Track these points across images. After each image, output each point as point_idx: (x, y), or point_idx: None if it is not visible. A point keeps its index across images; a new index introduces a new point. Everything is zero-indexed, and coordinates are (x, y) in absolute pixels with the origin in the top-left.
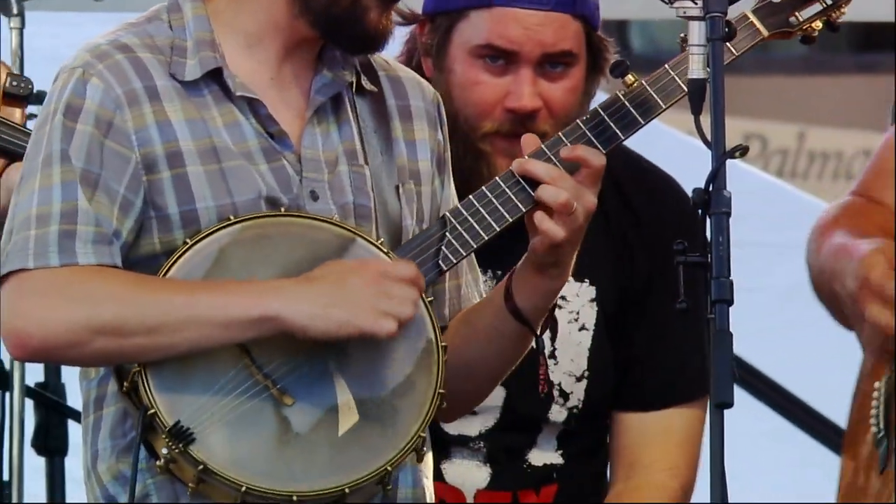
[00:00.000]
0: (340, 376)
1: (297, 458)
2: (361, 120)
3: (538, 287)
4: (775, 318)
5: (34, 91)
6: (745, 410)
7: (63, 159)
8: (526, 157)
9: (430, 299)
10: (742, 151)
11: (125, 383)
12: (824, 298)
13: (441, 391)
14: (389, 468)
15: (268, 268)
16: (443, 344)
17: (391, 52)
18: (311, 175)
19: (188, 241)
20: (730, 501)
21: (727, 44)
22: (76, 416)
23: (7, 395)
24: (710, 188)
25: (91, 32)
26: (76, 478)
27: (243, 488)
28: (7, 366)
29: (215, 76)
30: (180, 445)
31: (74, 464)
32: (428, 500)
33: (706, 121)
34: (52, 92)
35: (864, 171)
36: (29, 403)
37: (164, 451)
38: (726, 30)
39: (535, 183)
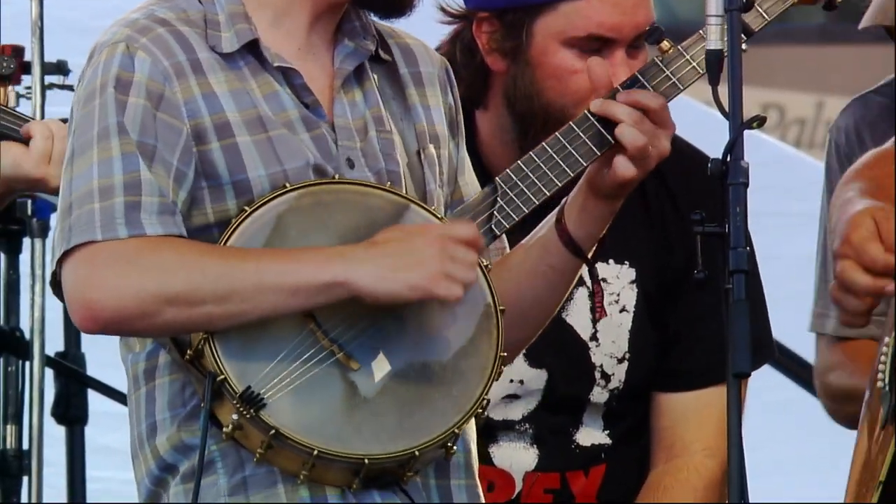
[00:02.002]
0: (403, 340)
1: (366, 421)
2: (381, 88)
3: (594, 212)
4: (793, 287)
5: (55, 62)
6: (762, 378)
7: (121, 132)
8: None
9: (486, 264)
10: (760, 122)
11: (189, 352)
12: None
13: (503, 353)
14: (457, 430)
15: (325, 234)
16: (501, 307)
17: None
18: (345, 143)
19: (246, 208)
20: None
21: (758, 7)
22: (96, 385)
23: (27, 364)
24: (728, 159)
25: (111, 4)
26: (95, 447)
27: (315, 452)
28: (27, 335)
29: (250, 48)
30: (251, 411)
31: (94, 433)
32: (474, 465)
33: (724, 91)
34: (93, 68)
35: None
36: (49, 373)
37: (234, 417)
38: (744, 0)
39: (604, 129)
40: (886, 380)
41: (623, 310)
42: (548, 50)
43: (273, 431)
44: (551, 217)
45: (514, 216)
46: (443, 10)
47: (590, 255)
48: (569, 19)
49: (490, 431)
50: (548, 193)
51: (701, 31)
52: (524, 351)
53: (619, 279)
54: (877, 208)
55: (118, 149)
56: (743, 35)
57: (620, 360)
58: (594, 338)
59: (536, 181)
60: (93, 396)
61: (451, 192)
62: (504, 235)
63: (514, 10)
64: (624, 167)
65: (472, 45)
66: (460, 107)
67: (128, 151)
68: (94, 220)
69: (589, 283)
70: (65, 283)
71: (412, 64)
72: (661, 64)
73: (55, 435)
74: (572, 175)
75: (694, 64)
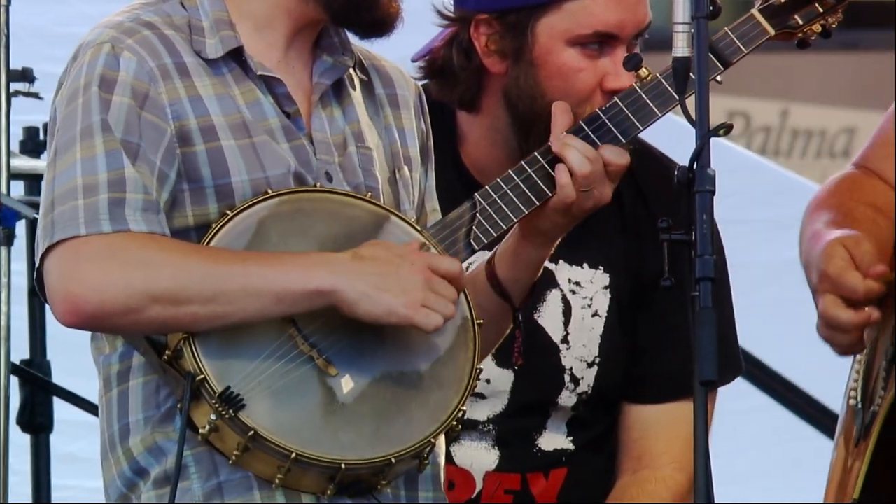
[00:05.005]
0: (383, 349)
1: (343, 427)
2: (361, 104)
3: (523, 257)
4: (758, 294)
5: (20, 69)
6: (728, 387)
7: (104, 129)
8: (564, 133)
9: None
10: (726, 129)
11: (167, 352)
12: (808, 282)
13: (479, 367)
14: (433, 440)
15: (305, 241)
16: (478, 321)
17: (403, 44)
18: (323, 157)
19: (228, 212)
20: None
21: (738, 42)
22: (61, 393)
23: None
24: (695, 166)
25: (79, 9)
26: (60, 454)
27: (293, 455)
28: None
29: (234, 55)
30: (230, 411)
31: (59, 441)
32: (441, 478)
33: (690, 99)
34: (77, 67)
35: (868, 142)
36: (14, 381)
37: (212, 417)
38: (711, 8)
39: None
40: (859, 397)
41: (595, 314)
42: (553, 49)
43: (252, 433)
44: (483, 263)
45: (492, 232)
46: (439, 13)
47: (518, 304)
48: (574, 18)
49: None
50: (525, 211)
51: None
52: (493, 351)
53: (593, 284)
54: (846, 237)
55: (102, 146)
56: (721, 66)
57: (590, 365)
58: (565, 340)
59: (515, 199)
60: (58, 404)
61: (418, 217)
62: None
63: (517, 10)
64: (567, 186)
65: (469, 47)
66: (431, 133)
67: (112, 149)
68: (78, 216)
69: (562, 286)
70: (47, 278)
71: (389, 85)
72: (640, 91)
73: (20, 443)
74: (550, 195)
75: (672, 92)
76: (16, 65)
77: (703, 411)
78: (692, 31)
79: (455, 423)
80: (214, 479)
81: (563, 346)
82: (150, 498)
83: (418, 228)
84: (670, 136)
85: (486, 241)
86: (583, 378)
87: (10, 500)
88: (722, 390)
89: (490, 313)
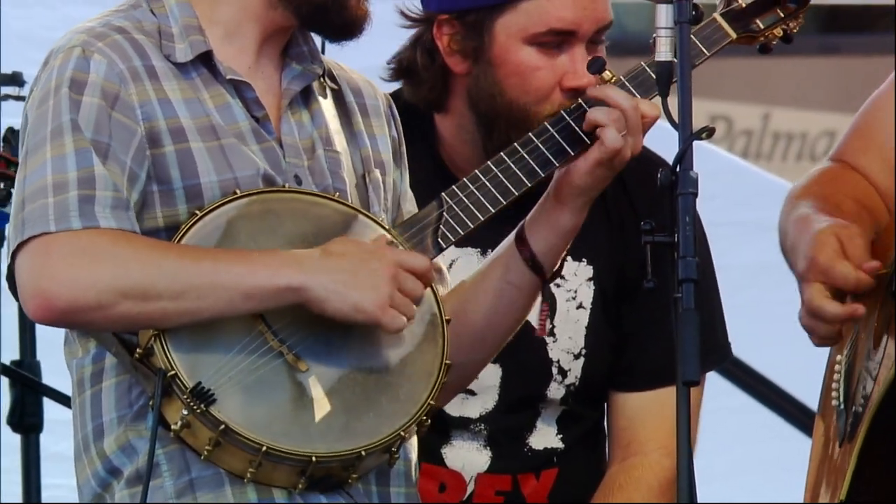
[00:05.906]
0: (351, 344)
1: (313, 421)
2: (329, 110)
3: (556, 223)
4: (741, 296)
5: (10, 73)
6: (710, 386)
7: (74, 129)
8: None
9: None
10: (709, 133)
11: (138, 350)
12: (791, 267)
13: (447, 362)
14: (403, 433)
15: (274, 241)
16: (447, 318)
17: (375, 49)
18: (292, 160)
19: (197, 212)
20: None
21: (700, 45)
22: (51, 393)
23: None
24: (678, 169)
25: (65, 13)
26: (51, 454)
27: (264, 448)
28: None
29: (203, 60)
30: (202, 406)
31: (49, 441)
32: (414, 475)
33: (673, 102)
34: (48, 71)
35: (844, 136)
36: (4, 381)
37: (184, 412)
38: (693, 13)
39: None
40: (841, 398)
41: (580, 306)
42: (510, 48)
43: (223, 427)
44: (510, 238)
45: (459, 230)
46: (403, 14)
47: (548, 276)
48: (529, 16)
49: (444, 429)
50: (493, 210)
51: (643, 62)
52: (518, 329)
53: (577, 276)
54: (840, 226)
55: (72, 145)
56: None
57: (577, 356)
58: (551, 333)
59: (481, 197)
60: (48, 404)
61: (395, 218)
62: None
63: (475, 10)
64: (613, 138)
65: (432, 47)
66: (403, 140)
67: (81, 147)
68: (48, 213)
69: (557, 281)
70: (18, 275)
71: (359, 95)
72: None
73: (10, 443)
74: (517, 193)
75: (636, 95)
76: (5, 69)
77: (685, 410)
78: (674, 36)
79: (425, 416)
80: (186, 476)
81: (549, 339)
82: (124, 497)
83: (386, 227)
84: (653, 140)
85: (453, 240)
86: (570, 370)
87: (0, 498)
88: (708, 389)
89: (521, 290)
